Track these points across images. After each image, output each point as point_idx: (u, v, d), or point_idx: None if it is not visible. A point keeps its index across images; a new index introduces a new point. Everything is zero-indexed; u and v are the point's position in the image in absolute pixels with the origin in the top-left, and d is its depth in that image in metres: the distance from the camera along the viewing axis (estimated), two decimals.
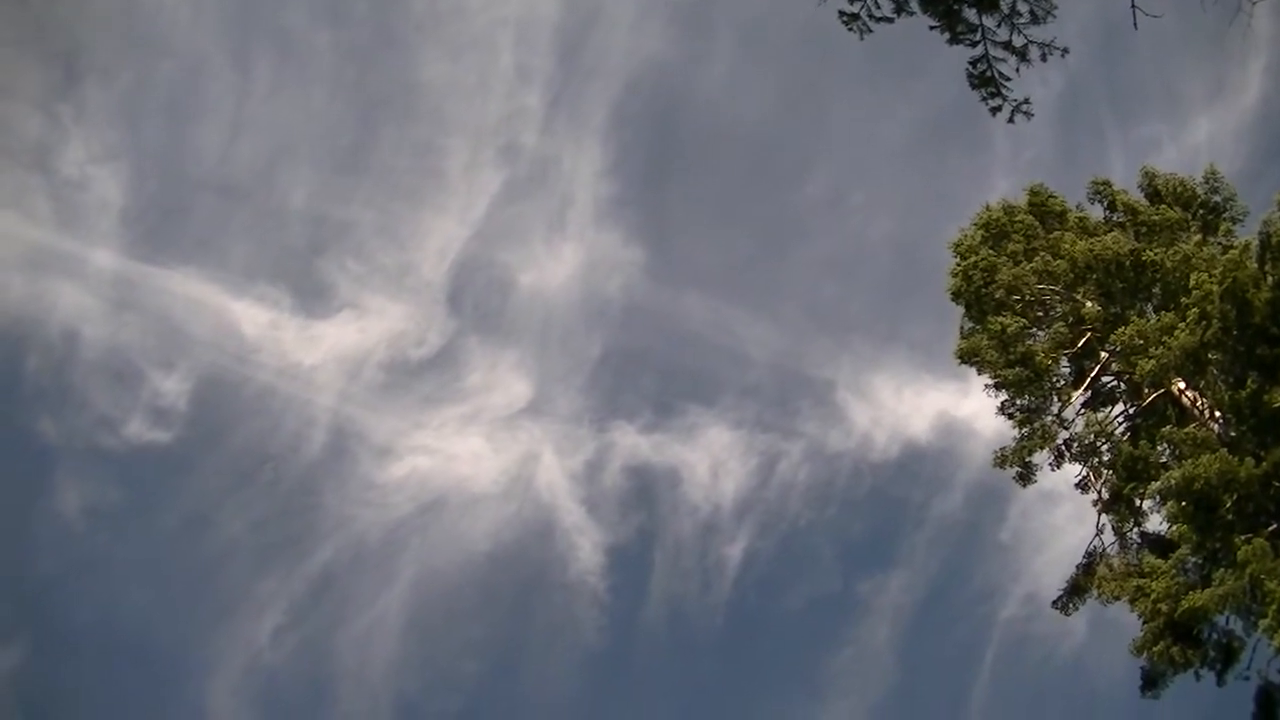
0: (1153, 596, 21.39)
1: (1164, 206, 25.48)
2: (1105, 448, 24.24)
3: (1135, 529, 24.30)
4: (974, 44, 16.03)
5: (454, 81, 53.16)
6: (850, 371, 50.16)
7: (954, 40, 16.11)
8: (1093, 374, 24.82)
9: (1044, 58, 15.94)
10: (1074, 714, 41.45)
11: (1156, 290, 24.24)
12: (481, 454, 50.09)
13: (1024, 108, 16.29)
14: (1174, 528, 21.15)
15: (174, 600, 45.70)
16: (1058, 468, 24.94)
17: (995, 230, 26.12)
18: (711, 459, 48.94)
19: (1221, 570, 19.95)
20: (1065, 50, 15.81)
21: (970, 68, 16.21)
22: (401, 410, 50.08)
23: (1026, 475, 24.82)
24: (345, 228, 51.05)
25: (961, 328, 25.94)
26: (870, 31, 15.93)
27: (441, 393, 50.79)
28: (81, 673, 41.33)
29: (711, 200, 57.55)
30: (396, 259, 51.06)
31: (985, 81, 16.15)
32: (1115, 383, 25.24)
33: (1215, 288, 21.04)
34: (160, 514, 46.68)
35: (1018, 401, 25.01)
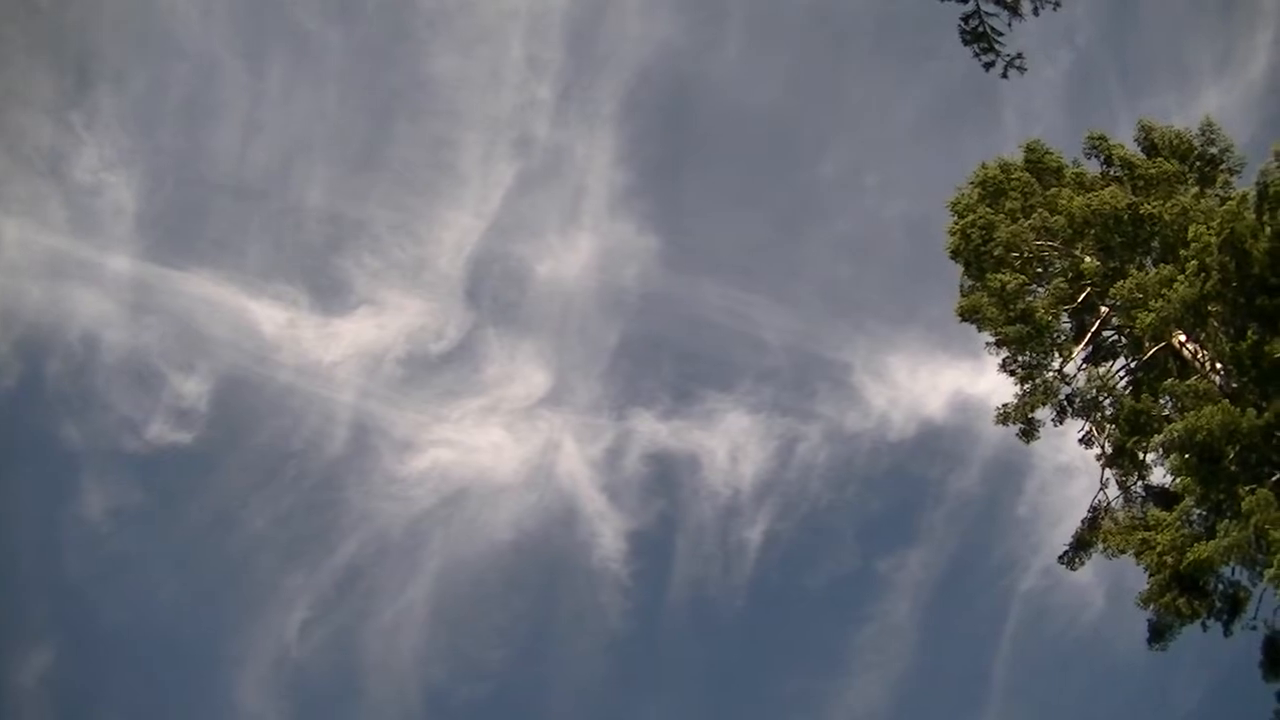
0: (1158, 549, 21.43)
1: (1161, 159, 25.34)
2: (1107, 402, 24.24)
3: (1139, 482, 24.35)
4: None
5: (465, 75, 53.29)
6: (866, 353, 50.40)
7: None
8: (1093, 329, 24.80)
9: (1036, 11, 15.83)
10: (1094, 683, 41.85)
11: (1155, 243, 24.16)
12: (502, 445, 50.71)
13: (1018, 62, 16.18)
14: (1178, 480, 21.16)
15: (201, 598, 46.28)
16: (1060, 423, 25.03)
17: (992, 188, 25.99)
18: (731, 443, 49.50)
19: (1226, 521, 19.96)
20: (1057, 3, 15.67)
21: (962, 24, 16.09)
22: (422, 404, 50.50)
23: (1030, 432, 24.90)
24: (361, 224, 51.44)
25: (961, 286, 25.91)
26: None
27: (461, 385, 51.37)
28: (111, 671, 42.11)
29: (725, 185, 57.69)
30: (413, 254, 51.40)
31: (978, 37, 16.04)
32: (1116, 337, 25.21)
33: (1214, 239, 20.95)
34: (185, 514, 47.22)
35: (1019, 358, 25.03)
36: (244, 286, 48.32)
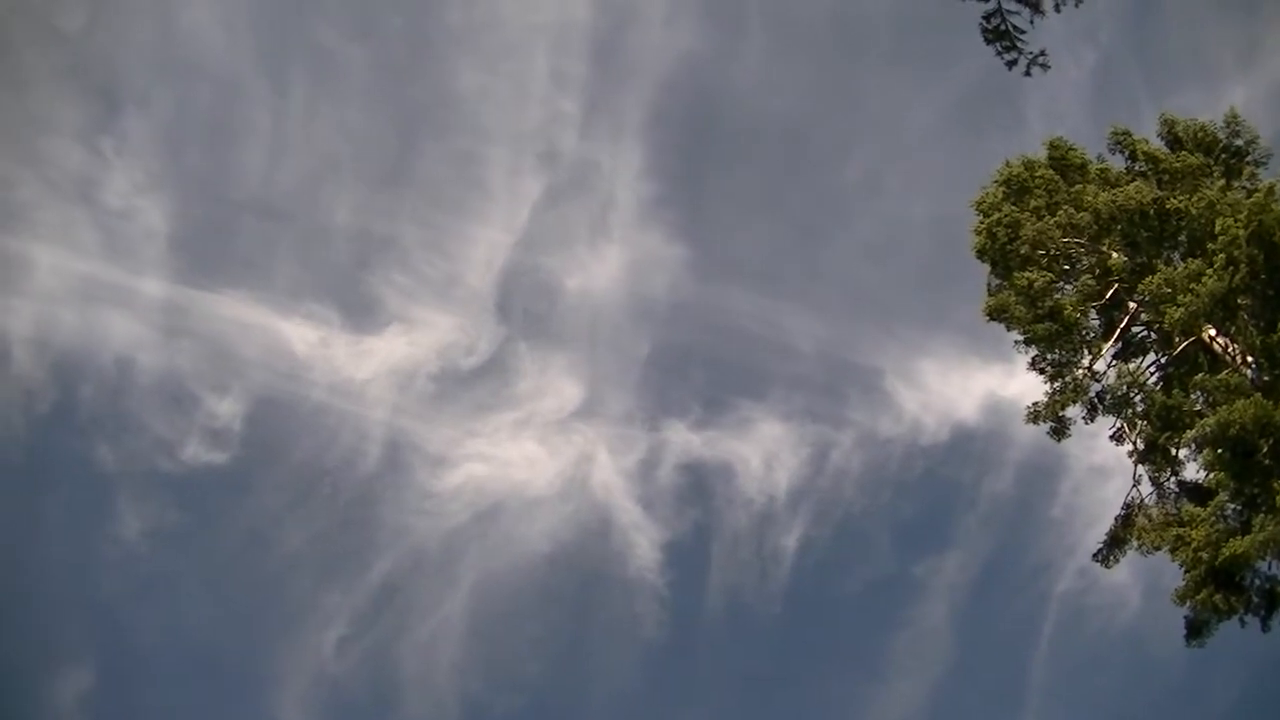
0: (1193, 545, 21.32)
1: (1185, 153, 25.20)
2: (1138, 398, 24.10)
3: (1172, 478, 24.20)
4: None
5: (491, 90, 53.29)
6: (897, 357, 50.32)
7: None
8: (1122, 325, 24.68)
9: (1058, 8, 15.82)
10: (1132, 682, 41.71)
11: (1182, 238, 24.02)
12: (536, 458, 50.62)
13: (1040, 59, 16.18)
14: (1211, 475, 21.07)
15: (239, 617, 46.32)
16: (1091, 421, 24.89)
17: (1016, 186, 25.92)
18: (764, 451, 49.35)
19: (1261, 515, 19.85)
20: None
21: (984, 22, 16.09)
22: (455, 419, 50.54)
23: (1060, 430, 24.77)
24: (390, 242, 51.51)
25: (988, 285, 25.84)
26: None
27: (494, 399, 51.34)
28: (150, 691, 42.22)
29: (751, 193, 57.48)
30: (442, 270, 51.48)
31: (999, 35, 16.04)
32: (1145, 333, 25.09)
33: (1241, 232, 20.85)
34: (221, 533, 47.35)
35: (1048, 356, 24.94)
36: (275, 306, 48.60)
